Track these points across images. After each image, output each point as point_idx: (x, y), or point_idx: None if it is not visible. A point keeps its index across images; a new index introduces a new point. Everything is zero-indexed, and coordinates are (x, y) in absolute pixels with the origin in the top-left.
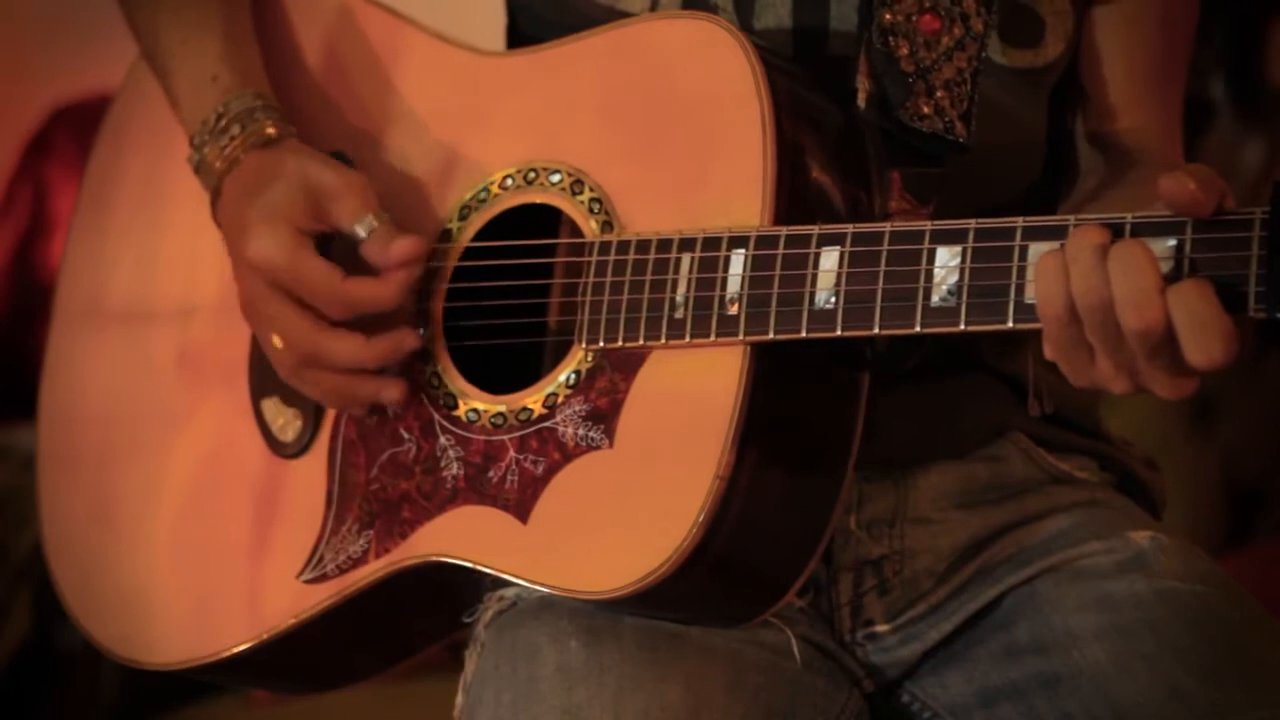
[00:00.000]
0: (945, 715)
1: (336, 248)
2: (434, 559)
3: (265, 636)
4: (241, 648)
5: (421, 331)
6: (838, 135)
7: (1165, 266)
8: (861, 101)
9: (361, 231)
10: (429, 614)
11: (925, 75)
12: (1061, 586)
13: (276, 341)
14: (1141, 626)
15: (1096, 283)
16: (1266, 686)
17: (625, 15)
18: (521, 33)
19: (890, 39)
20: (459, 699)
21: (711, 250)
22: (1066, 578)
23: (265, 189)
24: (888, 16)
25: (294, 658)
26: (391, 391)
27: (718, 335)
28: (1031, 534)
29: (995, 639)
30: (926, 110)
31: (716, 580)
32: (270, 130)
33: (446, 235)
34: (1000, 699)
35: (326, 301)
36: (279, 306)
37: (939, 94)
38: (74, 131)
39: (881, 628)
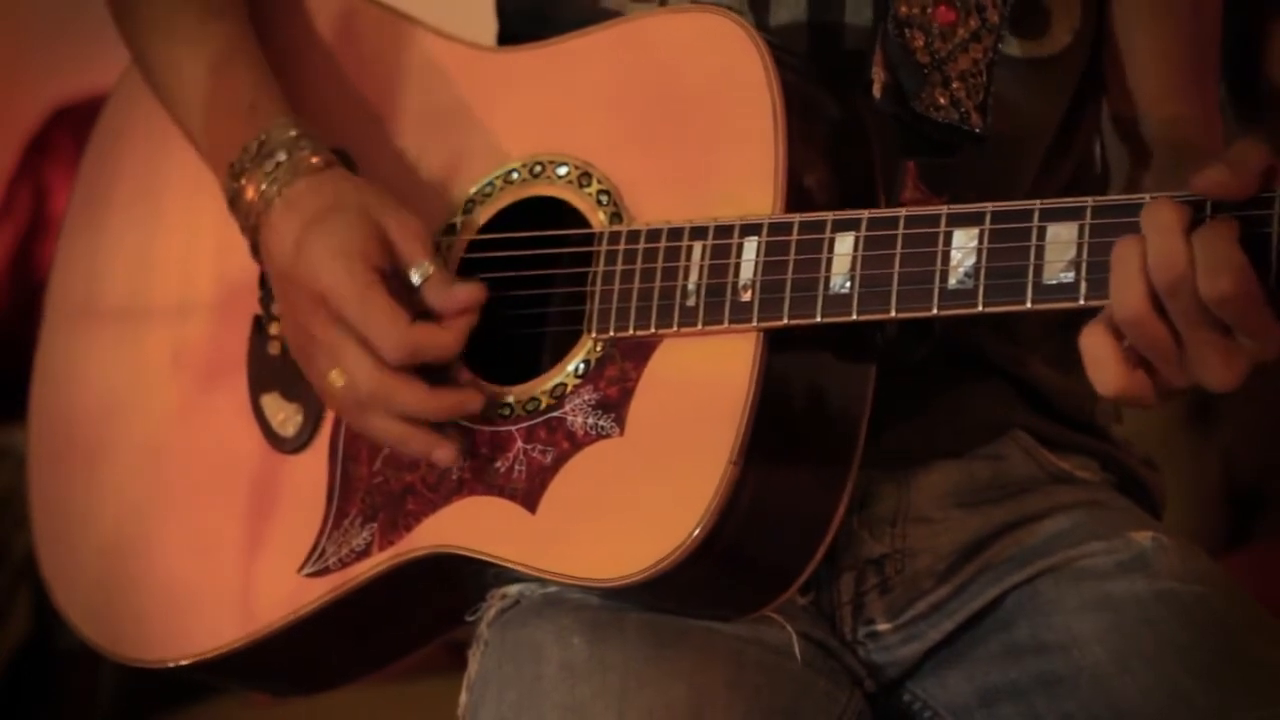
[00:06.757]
0: (946, 715)
1: None
2: (439, 550)
3: (263, 632)
4: (239, 644)
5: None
6: (847, 127)
7: None
8: (877, 92)
9: (417, 277)
10: (431, 609)
11: (941, 66)
12: (1062, 586)
13: (335, 378)
14: (1142, 627)
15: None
16: (1266, 687)
17: (621, 14)
18: (515, 38)
19: (906, 30)
20: (463, 697)
21: (724, 238)
22: (1067, 578)
23: (328, 219)
24: (904, 9)
25: (291, 655)
26: (443, 453)
27: (731, 322)
28: (1032, 534)
29: (996, 639)
30: (943, 101)
31: (726, 568)
32: (315, 160)
33: (452, 229)
34: (1001, 699)
35: (391, 345)
36: (343, 342)
37: (955, 85)
38: (74, 131)
39: (882, 626)
